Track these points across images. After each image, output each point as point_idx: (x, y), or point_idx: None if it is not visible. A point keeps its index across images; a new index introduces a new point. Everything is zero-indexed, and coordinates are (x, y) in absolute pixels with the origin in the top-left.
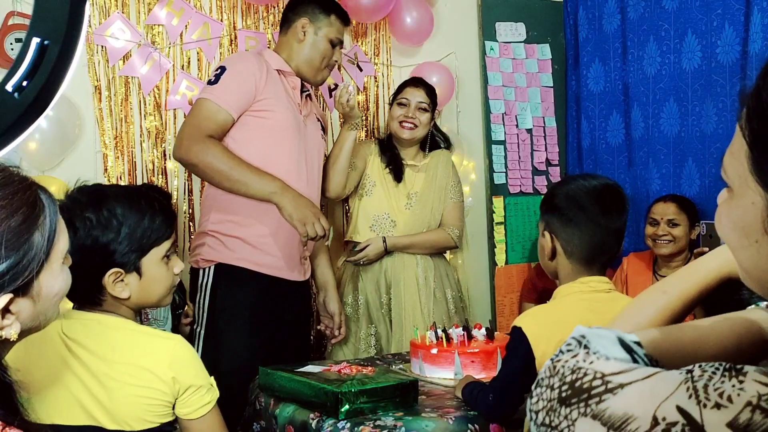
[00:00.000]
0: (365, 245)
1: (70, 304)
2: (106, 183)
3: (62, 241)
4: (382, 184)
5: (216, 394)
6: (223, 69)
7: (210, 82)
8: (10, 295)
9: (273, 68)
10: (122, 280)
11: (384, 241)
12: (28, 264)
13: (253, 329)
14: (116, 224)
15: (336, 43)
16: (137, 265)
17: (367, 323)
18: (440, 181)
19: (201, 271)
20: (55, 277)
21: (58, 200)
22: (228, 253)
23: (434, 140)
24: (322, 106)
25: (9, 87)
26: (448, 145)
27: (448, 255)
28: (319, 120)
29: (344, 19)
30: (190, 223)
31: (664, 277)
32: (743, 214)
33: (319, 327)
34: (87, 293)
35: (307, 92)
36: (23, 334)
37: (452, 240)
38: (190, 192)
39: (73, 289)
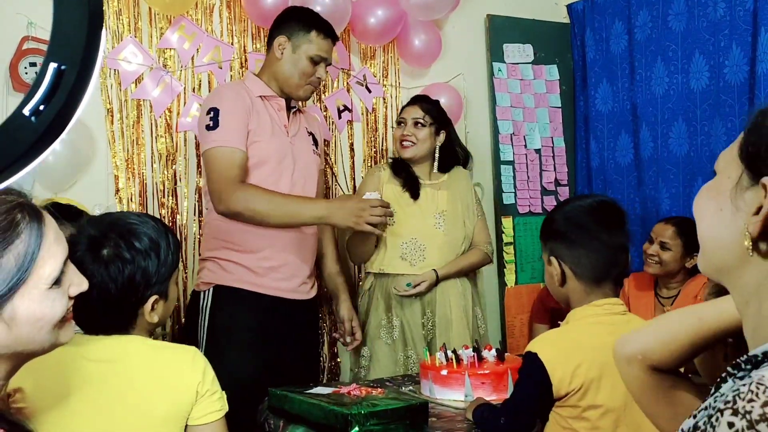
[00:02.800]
0: (420, 281)
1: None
2: (117, 204)
3: (48, 267)
4: (402, 208)
5: (226, 406)
6: (215, 110)
7: (210, 128)
8: None
9: (255, 95)
10: (154, 307)
11: (436, 273)
12: None
13: (253, 349)
14: (155, 252)
15: (318, 61)
16: (167, 289)
17: (403, 346)
18: (464, 198)
19: (201, 294)
20: (37, 303)
21: (90, 235)
22: (226, 275)
23: (451, 156)
24: (328, 120)
25: (26, 111)
26: (466, 159)
27: None
28: (311, 134)
29: (328, 34)
30: (200, 245)
31: (666, 298)
32: (719, 186)
33: (333, 335)
34: (124, 322)
35: (294, 109)
36: (7, 360)
37: (489, 257)
38: (200, 213)
39: (113, 319)
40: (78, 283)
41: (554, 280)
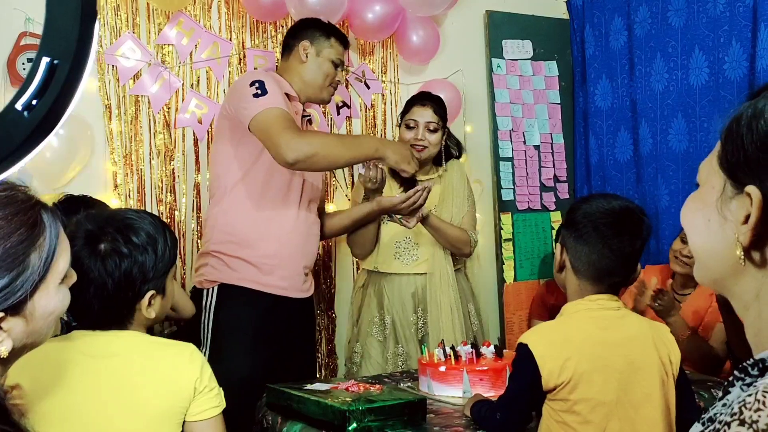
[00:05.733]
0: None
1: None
2: (116, 201)
3: (61, 262)
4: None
5: (223, 402)
6: (261, 82)
7: (259, 95)
8: (1, 314)
9: (283, 91)
10: (151, 303)
11: (428, 215)
12: (22, 284)
13: (257, 348)
14: (152, 247)
15: (338, 64)
16: (165, 285)
17: (394, 343)
18: (457, 192)
19: (204, 292)
20: (51, 297)
21: (88, 229)
22: (231, 273)
23: (447, 151)
24: (327, 116)
25: (19, 105)
26: (460, 152)
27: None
28: None
29: (344, 42)
30: (198, 241)
31: (681, 294)
32: (704, 197)
33: (398, 219)
34: (121, 317)
35: (308, 117)
36: (17, 351)
37: (470, 242)
38: (198, 209)
39: (110, 314)
40: (71, 275)
41: (555, 264)
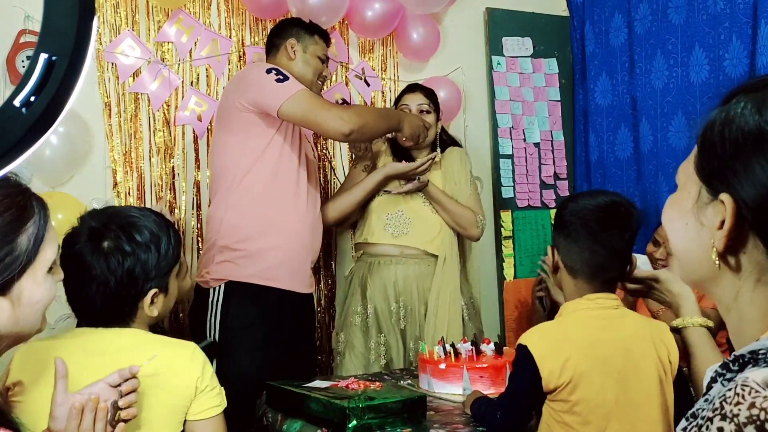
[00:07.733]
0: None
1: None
2: (115, 198)
3: (49, 250)
4: (395, 186)
5: (224, 402)
6: (276, 69)
7: (281, 80)
8: None
9: None
10: (154, 301)
11: (427, 183)
12: (11, 264)
13: (265, 345)
14: (155, 245)
15: (324, 60)
16: (167, 283)
17: (376, 333)
18: (457, 176)
19: (211, 290)
20: (38, 285)
21: (92, 227)
22: (238, 269)
23: (443, 141)
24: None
25: (17, 102)
26: (457, 144)
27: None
28: (308, 141)
29: (326, 39)
30: (199, 239)
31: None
32: (683, 200)
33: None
34: (123, 315)
35: None
36: (3, 342)
37: (477, 223)
38: (198, 207)
39: (113, 312)
40: (58, 270)
41: (550, 266)
